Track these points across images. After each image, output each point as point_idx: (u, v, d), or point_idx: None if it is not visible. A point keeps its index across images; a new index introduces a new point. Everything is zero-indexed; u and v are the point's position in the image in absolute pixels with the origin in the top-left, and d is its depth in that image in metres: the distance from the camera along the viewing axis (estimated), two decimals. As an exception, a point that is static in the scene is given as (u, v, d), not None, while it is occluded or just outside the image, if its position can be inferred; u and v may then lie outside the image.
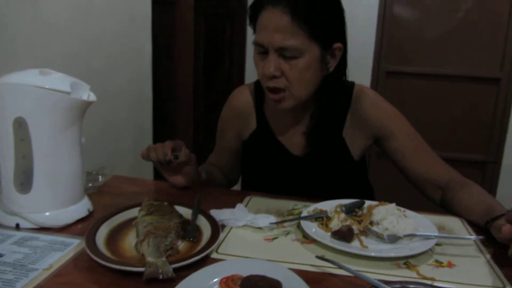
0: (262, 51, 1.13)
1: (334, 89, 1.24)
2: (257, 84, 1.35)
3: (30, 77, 0.92)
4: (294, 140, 1.32)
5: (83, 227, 0.97)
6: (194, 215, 0.99)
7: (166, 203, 0.99)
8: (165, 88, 2.84)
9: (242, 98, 1.38)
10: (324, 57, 1.15)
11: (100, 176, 1.25)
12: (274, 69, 1.11)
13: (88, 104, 0.96)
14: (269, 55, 1.11)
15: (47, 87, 0.90)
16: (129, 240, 0.90)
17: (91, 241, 0.85)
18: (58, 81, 0.93)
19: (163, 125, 2.79)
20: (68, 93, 0.91)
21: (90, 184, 1.19)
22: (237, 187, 1.55)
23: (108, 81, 2.12)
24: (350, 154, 1.30)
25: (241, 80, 3.62)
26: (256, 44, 1.14)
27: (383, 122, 1.28)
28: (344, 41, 1.19)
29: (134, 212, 0.99)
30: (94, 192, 1.18)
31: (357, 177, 1.37)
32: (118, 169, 2.12)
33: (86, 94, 0.97)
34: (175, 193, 1.22)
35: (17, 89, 0.90)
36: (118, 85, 2.21)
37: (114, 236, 0.91)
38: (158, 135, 2.62)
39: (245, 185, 1.47)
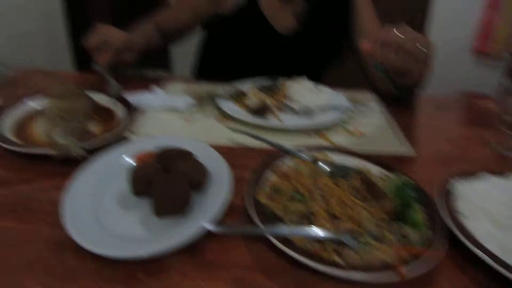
0: None
1: None
2: None
3: None
4: (282, 19, 1.27)
5: (-13, 119, 0.92)
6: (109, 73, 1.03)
7: (74, 87, 0.95)
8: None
9: None
10: None
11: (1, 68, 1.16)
12: None
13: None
14: None
15: None
16: (38, 127, 0.86)
17: (-5, 129, 0.81)
18: None
19: (77, 15, 2.55)
20: None
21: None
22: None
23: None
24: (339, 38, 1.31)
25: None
26: None
27: None
28: None
29: (42, 101, 0.94)
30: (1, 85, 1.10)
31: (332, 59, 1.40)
32: (32, 61, 1.97)
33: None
34: (87, 82, 1.17)
35: None
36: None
37: (22, 125, 0.87)
38: (73, 25, 2.42)
39: (207, 61, 1.43)
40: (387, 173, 0.74)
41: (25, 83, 1.16)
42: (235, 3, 1.27)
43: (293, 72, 1.18)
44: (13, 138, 0.81)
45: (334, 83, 1.16)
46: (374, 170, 0.75)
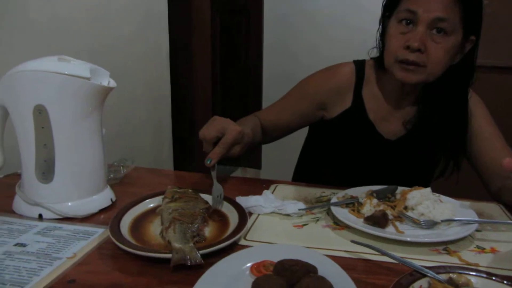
0: (409, 20, 1.06)
1: (452, 85, 1.17)
2: (358, 64, 1.28)
3: (49, 64, 0.89)
4: (389, 125, 1.25)
5: (106, 216, 0.95)
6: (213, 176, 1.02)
7: (190, 190, 0.96)
8: (183, 85, 2.82)
9: (346, 73, 1.27)
10: (461, 44, 1.09)
11: (121, 168, 1.22)
12: (420, 43, 1.04)
13: (108, 90, 0.93)
14: (416, 27, 1.05)
15: (66, 73, 0.87)
16: (154, 228, 0.87)
17: (115, 229, 0.82)
18: (78, 67, 0.90)
19: (182, 121, 2.76)
20: (88, 78, 0.89)
21: (112, 175, 1.17)
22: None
23: (126, 81, 2.09)
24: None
25: (258, 76, 3.58)
26: (407, 10, 1.06)
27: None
28: (478, 35, 1.12)
29: (157, 200, 0.96)
30: (116, 183, 1.15)
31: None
32: (138, 163, 2.10)
33: (106, 80, 0.94)
34: (197, 182, 1.19)
35: (36, 76, 0.87)
36: (137, 85, 2.19)
37: (138, 224, 0.88)
38: (177, 131, 2.60)
39: (309, 164, 1.43)
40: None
41: (135, 181, 1.21)
42: (342, 108, 1.27)
43: (399, 178, 1.11)
44: (130, 238, 0.81)
45: (444, 191, 1.07)
46: (528, 300, 0.63)
